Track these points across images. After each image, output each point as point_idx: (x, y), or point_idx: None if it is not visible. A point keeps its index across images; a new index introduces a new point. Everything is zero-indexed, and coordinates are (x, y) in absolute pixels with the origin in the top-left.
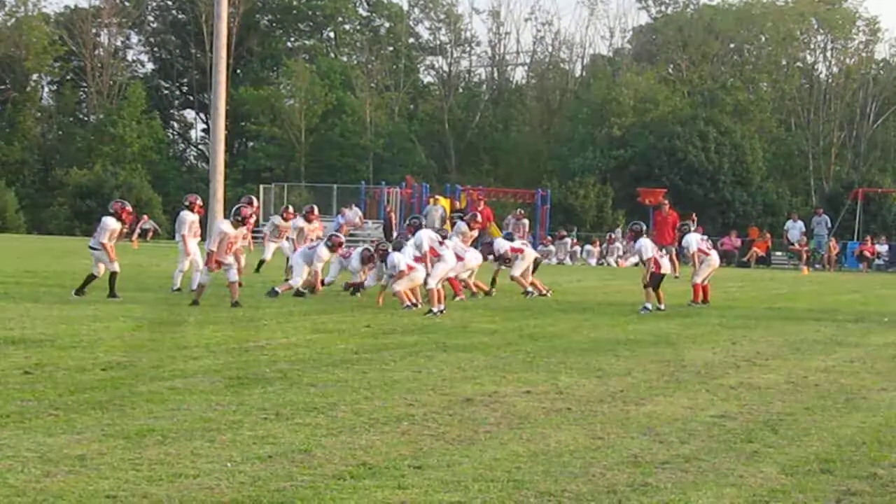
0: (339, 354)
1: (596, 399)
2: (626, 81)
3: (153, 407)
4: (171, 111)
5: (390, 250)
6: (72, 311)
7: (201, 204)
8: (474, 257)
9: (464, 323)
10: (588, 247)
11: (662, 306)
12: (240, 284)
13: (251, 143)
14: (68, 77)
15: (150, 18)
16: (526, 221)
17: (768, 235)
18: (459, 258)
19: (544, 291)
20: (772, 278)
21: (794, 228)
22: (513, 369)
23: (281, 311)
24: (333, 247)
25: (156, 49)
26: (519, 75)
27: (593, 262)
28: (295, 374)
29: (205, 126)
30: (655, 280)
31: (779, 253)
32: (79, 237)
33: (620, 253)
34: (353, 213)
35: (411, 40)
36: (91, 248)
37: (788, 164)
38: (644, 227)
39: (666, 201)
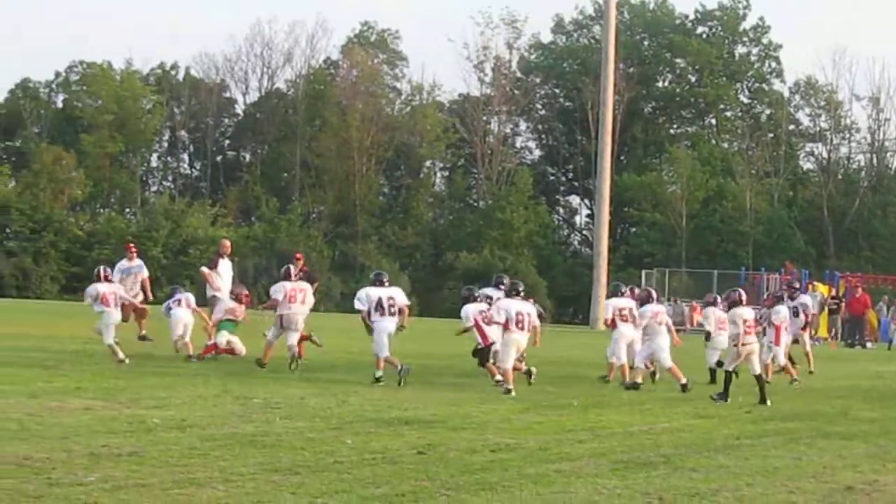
0: (721, 440)
1: None
2: None
3: (540, 489)
4: (557, 197)
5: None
6: (460, 393)
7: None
8: None
9: (843, 410)
10: None
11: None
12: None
13: (633, 229)
14: (459, 163)
15: (538, 106)
16: None
17: None
18: None
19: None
20: None
21: None
22: (893, 458)
23: (664, 397)
24: None
25: (543, 136)
26: None
27: None
28: (678, 459)
29: (589, 212)
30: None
31: None
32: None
33: None
34: None
35: (791, 127)
36: None
37: None
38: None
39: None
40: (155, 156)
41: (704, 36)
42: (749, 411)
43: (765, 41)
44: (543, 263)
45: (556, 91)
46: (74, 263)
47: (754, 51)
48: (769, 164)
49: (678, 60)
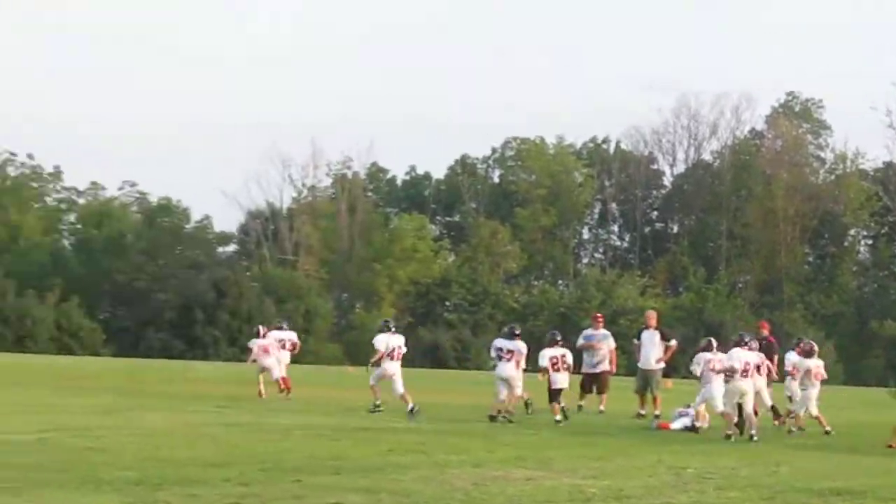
0: None
1: None
2: None
3: None
4: None
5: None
6: (893, 461)
7: None
8: None
9: None
10: None
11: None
12: None
13: None
14: (883, 231)
15: None
16: None
17: None
18: None
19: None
20: None
21: None
22: None
23: None
24: None
25: None
26: None
27: None
28: None
29: None
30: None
31: None
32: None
33: None
34: None
35: None
36: None
37: None
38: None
39: None
40: (586, 228)
41: None
42: None
43: None
44: None
45: None
46: None
47: None
48: None
49: None
